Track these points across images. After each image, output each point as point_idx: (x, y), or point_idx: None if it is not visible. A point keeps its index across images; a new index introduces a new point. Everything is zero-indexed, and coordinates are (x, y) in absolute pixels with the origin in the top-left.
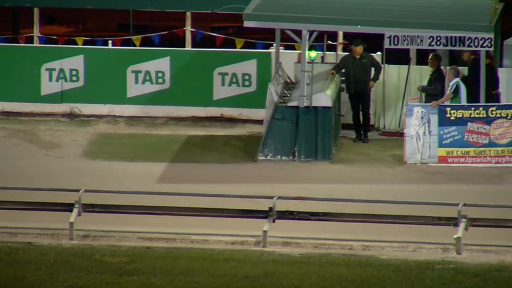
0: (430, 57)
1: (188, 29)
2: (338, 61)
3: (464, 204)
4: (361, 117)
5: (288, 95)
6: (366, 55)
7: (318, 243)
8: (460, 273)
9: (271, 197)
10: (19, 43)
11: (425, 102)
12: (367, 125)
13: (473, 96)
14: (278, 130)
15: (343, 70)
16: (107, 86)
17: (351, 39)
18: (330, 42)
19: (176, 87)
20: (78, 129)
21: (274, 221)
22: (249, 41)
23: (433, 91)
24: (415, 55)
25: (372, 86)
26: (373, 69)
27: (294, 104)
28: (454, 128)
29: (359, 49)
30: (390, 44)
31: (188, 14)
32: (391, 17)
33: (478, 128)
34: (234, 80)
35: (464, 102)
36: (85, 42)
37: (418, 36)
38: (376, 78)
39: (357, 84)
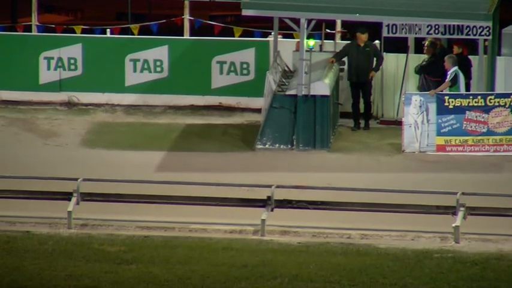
0: (426, 44)
1: (186, 17)
2: (336, 49)
3: (463, 193)
4: (361, 106)
5: (286, 84)
6: (369, 44)
7: (316, 232)
8: (459, 262)
9: (270, 186)
10: (17, 32)
11: (423, 90)
12: (369, 113)
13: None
14: (276, 119)
15: (345, 58)
16: (105, 75)
17: (350, 27)
18: (328, 30)
19: (174, 76)
20: (77, 118)
21: (272, 210)
22: (247, 30)
23: (428, 70)
24: (413, 43)
25: (372, 75)
26: (375, 58)
27: (292, 92)
28: (452, 116)
29: (364, 37)
30: (388, 33)
31: (186, 2)
32: (390, 5)
33: (476, 117)
34: (232, 69)
35: (462, 90)
36: (83, 31)
37: (416, 24)
38: (377, 68)
39: (359, 72)
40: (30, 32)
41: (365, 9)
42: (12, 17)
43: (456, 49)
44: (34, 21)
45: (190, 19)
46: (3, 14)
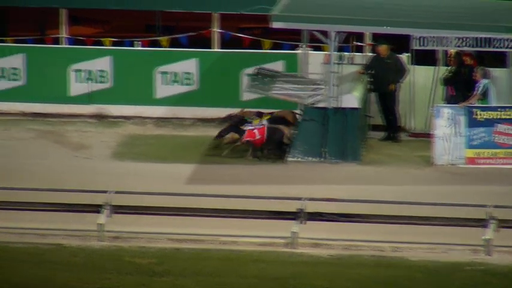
0: (452, 55)
1: (215, 30)
2: (365, 62)
3: (494, 206)
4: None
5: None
6: (392, 56)
7: (348, 245)
8: (489, 275)
9: (301, 199)
10: (46, 44)
11: (447, 102)
12: (394, 125)
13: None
14: (307, 131)
15: (368, 70)
16: (134, 87)
17: (377, 39)
18: (356, 43)
19: (204, 88)
20: (106, 130)
21: (303, 223)
22: (276, 42)
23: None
24: (443, 56)
25: (391, 88)
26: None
27: (322, 105)
28: (482, 129)
29: (382, 49)
30: (418, 45)
31: (215, 15)
32: (419, 18)
33: (506, 130)
34: None
35: (493, 103)
36: (112, 43)
37: (445, 37)
38: (397, 80)
39: (377, 83)
40: (59, 44)
41: (394, 22)
42: (41, 29)
43: (468, 60)
44: (63, 33)
45: (219, 32)
46: (32, 26)
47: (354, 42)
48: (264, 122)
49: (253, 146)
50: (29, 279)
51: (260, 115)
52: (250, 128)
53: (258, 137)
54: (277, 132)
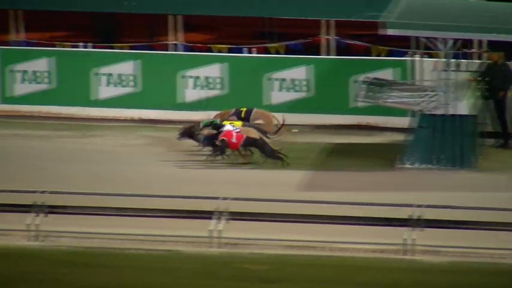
0: None
1: (329, 37)
2: (477, 69)
3: None
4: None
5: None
6: (504, 63)
7: (464, 252)
8: None
9: (417, 205)
10: (155, 50)
11: None
12: (505, 132)
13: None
14: (421, 138)
15: (483, 77)
16: (247, 94)
17: (491, 47)
18: (467, 49)
19: (315, 95)
20: None
21: (418, 229)
22: (389, 49)
23: None
24: None
25: (501, 95)
26: None
27: (436, 112)
28: None
29: (494, 56)
30: None
31: (328, 21)
32: None
33: None
34: None
35: None
36: (225, 50)
37: None
38: (507, 87)
39: (491, 90)
40: (168, 50)
41: (507, 29)
42: (151, 36)
43: None
44: (177, 39)
45: (332, 38)
46: (142, 33)
47: (464, 49)
48: (239, 129)
49: (226, 146)
50: (150, 286)
51: (239, 114)
52: (230, 128)
53: (234, 140)
54: (257, 143)
